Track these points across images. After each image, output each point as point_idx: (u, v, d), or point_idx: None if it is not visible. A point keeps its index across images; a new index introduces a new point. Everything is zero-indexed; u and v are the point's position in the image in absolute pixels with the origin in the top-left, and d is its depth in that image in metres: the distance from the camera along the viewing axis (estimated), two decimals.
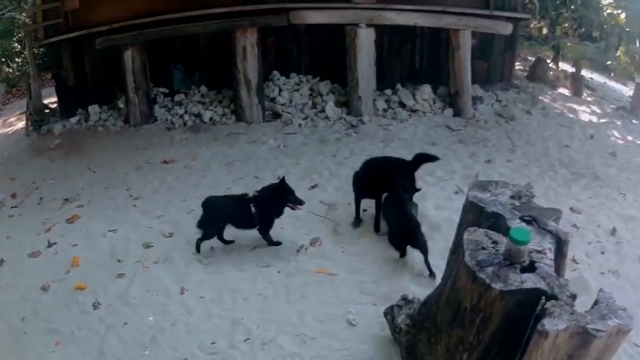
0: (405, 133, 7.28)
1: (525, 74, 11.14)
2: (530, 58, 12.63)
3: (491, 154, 6.96)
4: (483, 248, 2.65)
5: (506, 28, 8.62)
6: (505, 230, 2.77)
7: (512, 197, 3.13)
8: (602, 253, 4.84)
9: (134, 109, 7.98)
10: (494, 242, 2.69)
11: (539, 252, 2.67)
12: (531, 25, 13.12)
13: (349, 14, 7.92)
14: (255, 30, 7.74)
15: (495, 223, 2.93)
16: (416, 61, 9.08)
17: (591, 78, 12.37)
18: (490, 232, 2.77)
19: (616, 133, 8.62)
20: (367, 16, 7.90)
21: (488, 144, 7.36)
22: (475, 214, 3.04)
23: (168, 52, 8.54)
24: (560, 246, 2.86)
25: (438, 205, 5.43)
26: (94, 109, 8.46)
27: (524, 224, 2.87)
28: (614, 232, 5.19)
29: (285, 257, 4.53)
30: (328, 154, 6.63)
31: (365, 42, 7.86)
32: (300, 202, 4.58)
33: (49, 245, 4.89)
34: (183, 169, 6.42)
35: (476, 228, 2.80)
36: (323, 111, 8.13)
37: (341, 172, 5.82)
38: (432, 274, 4.17)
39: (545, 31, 13.80)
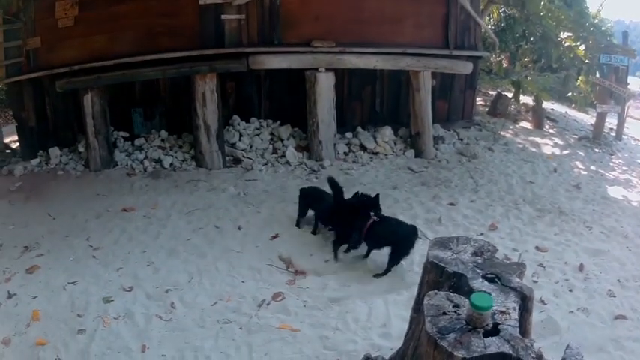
0: (366, 177, 7.21)
1: (487, 110, 11.24)
2: (491, 92, 12.77)
3: (455, 195, 6.91)
4: (445, 313, 2.52)
5: (466, 67, 8.73)
6: (468, 290, 2.66)
7: (474, 254, 3.03)
8: (571, 290, 4.77)
9: (94, 153, 7.73)
10: (456, 305, 2.57)
11: (502, 312, 2.54)
12: (491, 60, 13.36)
13: (308, 59, 7.91)
14: (215, 75, 7.63)
15: (457, 282, 2.82)
16: (376, 103, 9.09)
17: (552, 109, 12.56)
18: (452, 294, 2.65)
19: (579, 165, 8.72)
20: (327, 61, 7.90)
21: (450, 185, 7.32)
22: (436, 274, 2.93)
23: (128, 95, 8.37)
24: (525, 302, 2.76)
25: None
26: (54, 151, 8.17)
27: (486, 283, 2.77)
28: (581, 267, 5.14)
29: (247, 312, 4.34)
30: (289, 202, 6.45)
31: (325, 86, 7.85)
32: None
33: (9, 296, 4.64)
34: (144, 217, 6.21)
35: (437, 291, 2.68)
36: (283, 156, 8.03)
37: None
38: None
39: (505, 64, 14.12)
